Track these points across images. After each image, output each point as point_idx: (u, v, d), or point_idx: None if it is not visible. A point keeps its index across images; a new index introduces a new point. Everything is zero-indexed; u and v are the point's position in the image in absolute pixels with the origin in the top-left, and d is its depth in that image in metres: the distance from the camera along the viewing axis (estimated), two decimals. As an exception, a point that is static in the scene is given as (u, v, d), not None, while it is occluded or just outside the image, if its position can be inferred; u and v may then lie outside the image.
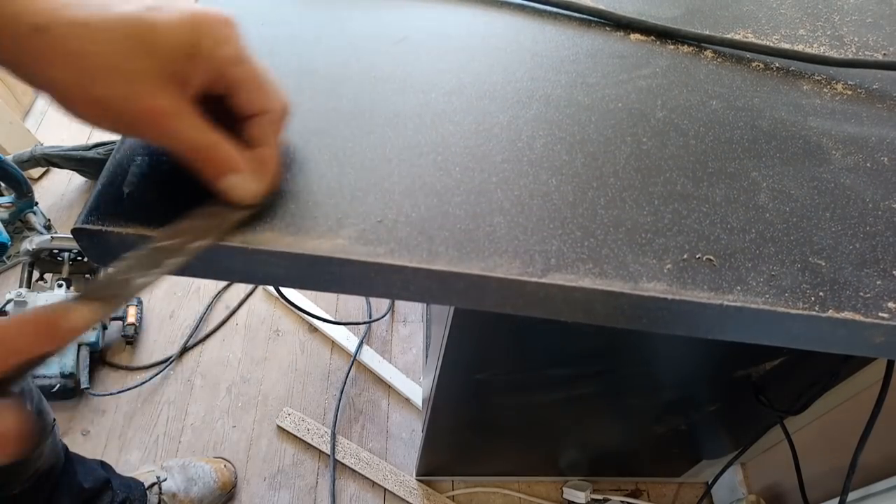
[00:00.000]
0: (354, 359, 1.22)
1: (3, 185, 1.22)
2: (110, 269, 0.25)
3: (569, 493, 1.09)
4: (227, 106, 0.27)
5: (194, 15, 0.25)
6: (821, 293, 0.29)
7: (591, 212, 0.31)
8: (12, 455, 0.22)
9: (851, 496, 0.76)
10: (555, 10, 0.44)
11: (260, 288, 1.32)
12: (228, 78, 0.26)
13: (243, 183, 0.27)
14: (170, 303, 1.28)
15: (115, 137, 1.60)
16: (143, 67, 0.24)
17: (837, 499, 0.65)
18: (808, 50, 0.43)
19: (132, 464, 1.08)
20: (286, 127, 0.29)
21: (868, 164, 0.36)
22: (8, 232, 1.18)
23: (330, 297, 1.33)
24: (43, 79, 0.24)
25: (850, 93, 0.41)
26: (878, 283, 0.30)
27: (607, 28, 0.43)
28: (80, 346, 1.11)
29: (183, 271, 0.27)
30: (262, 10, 0.40)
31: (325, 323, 1.23)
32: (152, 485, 0.97)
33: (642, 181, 0.33)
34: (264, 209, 0.29)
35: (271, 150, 0.28)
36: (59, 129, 1.56)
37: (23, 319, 0.22)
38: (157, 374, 1.18)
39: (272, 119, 0.28)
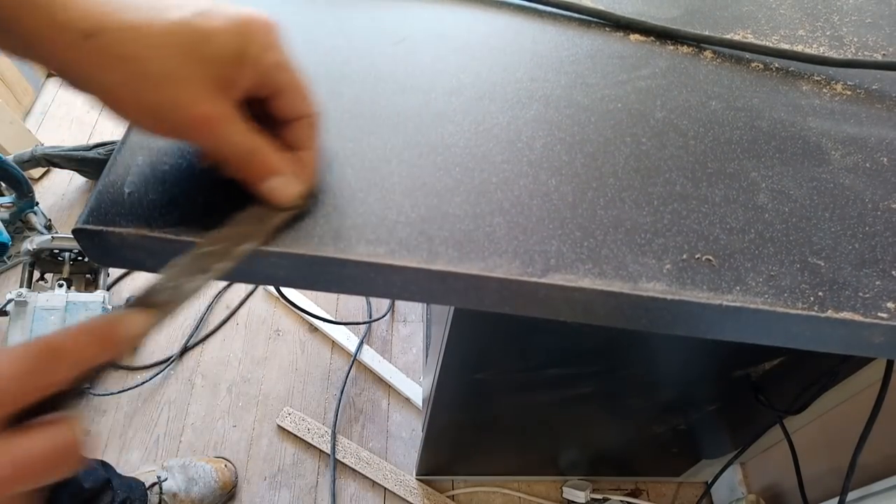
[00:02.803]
0: (354, 358, 1.22)
1: (3, 185, 1.22)
2: (160, 276, 0.25)
3: (568, 493, 1.09)
4: (267, 108, 0.28)
5: (242, 21, 0.25)
6: (820, 293, 0.30)
7: (590, 212, 0.31)
8: (71, 471, 0.22)
9: (851, 496, 0.76)
10: (555, 10, 0.44)
11: (260, 288, 1.32)
12: (273, 83, 0.27)
13: (285, 185, 0.27)
14: (170, 303, 1.28)
15: (116, 138, 1.60)
16: (194, 74, 0.24)
17: (837, 498, 0.65)
18: (808, 50, 0.43)
19: (133, 463, 1.08)
20: (321, 130, 0.30)
21: (867, 164, 0.36)
22: (8, 232, 1.18)
23: (330, 296, 1.33)
24: (94, 83, 0.24)
25: (849, 93, 0.41)
26: (878, 283, 0.30)
27: (607, 28, 0.43)
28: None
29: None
30: (261, 11, 0.40)
31: (326, 323, 1.23)
32: (153, 484, 0.97)
33: (642, 181, 0.33)
34: (305, 211, 0.29)
35: (312, 152, 0.29)
36: (59, 129, 1.57)
37: (83, 330, 0.22)
38: (157, 374, 1.18)
39: (312, 123, 0.29)
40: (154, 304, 0.24)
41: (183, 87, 0.24)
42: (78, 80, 0.24)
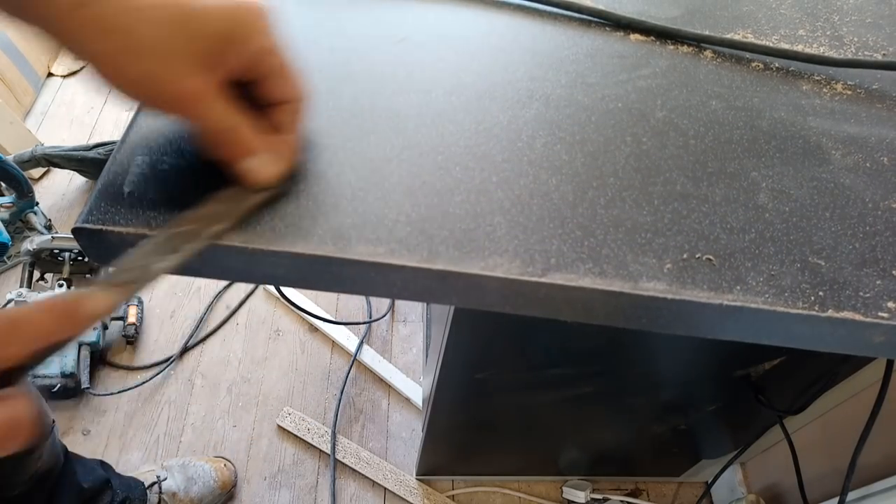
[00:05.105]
0: (354, 358, 1.22)
1: (3, 185, 1.22)
2: (128, 256, 0.25)
3: (568, 493, 1.09)
4: (255, 91, 0.28)
5: (234, 3, 0.25)
6: (820, 293, 0.29)
7: (590, 211, 0.31)
8: (24, 444, 0.22)
9: (851, 496, 0.76)
10: (555, 10, 0.44)
11: (260, 288, 1.32)
12: (260, 67, 0.27)
13: (261, 165, 0.28)
14: (170, 302, 1.28)
15: (116, 138, 1.60)
16: (180, 49, 0.24)
17: (837, 498, 0.65)
18: (808, 50, 0.43)
19: (133, 463, 1.08)
20: (306, 115, 0.30)
21: (868, 164, 0.36)
22: (9, 232, 1.18)
23: (330, 296, 1.33)
24: (83, 51, 0.24)
25: (849, 93, 0.41)
26: (878, 282, 0.30)
27: (607, 28, 0.43)
28: (80, 345, 1.11)
29: (187, 269, 0.28)
30: None
31: (326, 323, 1.23)
32: (152, 484, 0.97)
33: (642, 181, 0.33)
34: (278, 196, 0.29)
35: (293, 136, 0.30)
36: (59, 129, 1.57)
37: (42, 306, 0.22)
38: (157, 374, 1.18)
39: (295, 108, 0.29)
40: (118, 284, 0.24)
41: (167, 62, 0.24)
42: (68, 46, 0.24)
